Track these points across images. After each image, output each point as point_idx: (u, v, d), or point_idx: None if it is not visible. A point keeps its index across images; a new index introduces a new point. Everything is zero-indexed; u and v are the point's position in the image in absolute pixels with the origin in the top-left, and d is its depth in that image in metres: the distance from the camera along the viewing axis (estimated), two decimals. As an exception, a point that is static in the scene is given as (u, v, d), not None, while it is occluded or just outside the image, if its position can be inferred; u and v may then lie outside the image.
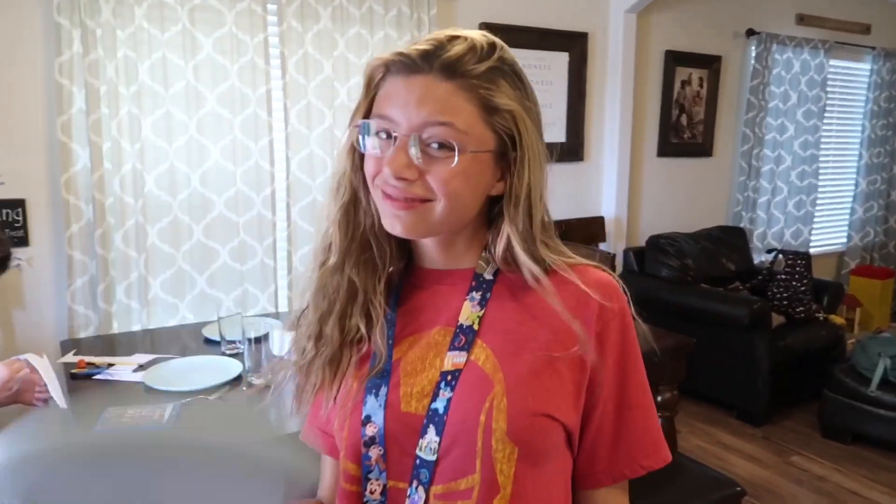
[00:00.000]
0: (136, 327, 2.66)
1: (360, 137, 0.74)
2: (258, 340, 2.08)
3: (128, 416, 1.64)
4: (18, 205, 2.47)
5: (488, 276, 0.79)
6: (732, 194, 4.55)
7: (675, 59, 4.04)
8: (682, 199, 4.32)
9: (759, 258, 4.41)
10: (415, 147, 0.69)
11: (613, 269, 2.47)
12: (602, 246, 3.85)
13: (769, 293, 3.78)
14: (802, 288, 3.72)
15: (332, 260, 0.79)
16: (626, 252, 3.95)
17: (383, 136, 0.72)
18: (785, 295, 3.72)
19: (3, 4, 2.37)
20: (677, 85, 4.10)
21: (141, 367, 2.00)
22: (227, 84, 2.70)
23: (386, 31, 2.97)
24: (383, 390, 0.76)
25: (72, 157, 2.46)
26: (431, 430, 0.72)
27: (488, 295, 0.79)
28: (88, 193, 2.50)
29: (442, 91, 0.69)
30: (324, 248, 0.80)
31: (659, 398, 2.34)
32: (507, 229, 0.76)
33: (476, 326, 0.76)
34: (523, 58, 3.58)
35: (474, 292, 0.79)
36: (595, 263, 0.80)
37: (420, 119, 0.69)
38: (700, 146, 4.32)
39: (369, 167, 0.74)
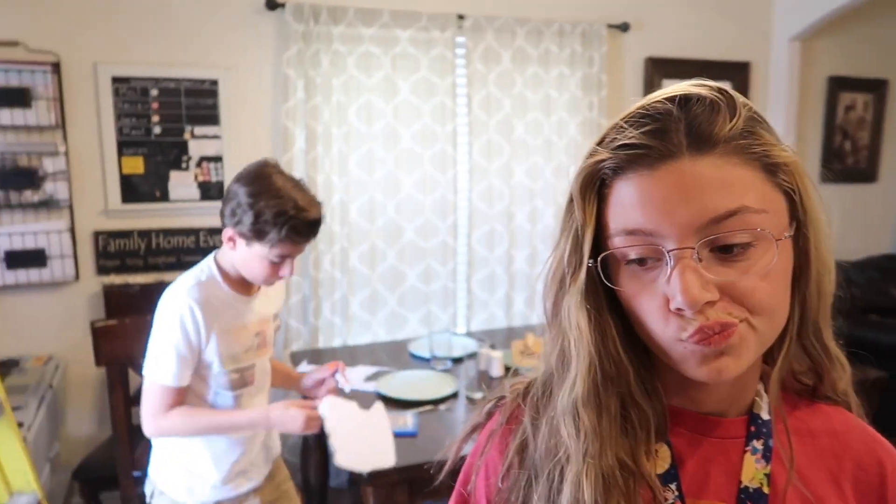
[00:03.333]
0: (336, 341, 2.97)
1: (600, 274, 0.57)
2: (461, 359, 2.31)
3: (379, 421, 1.89)
4: (247, 231, 2.84)
5: (766, 416, 0.62)
6: (898, 221, 4.39)
7: (838, 85, 3.98)
8: (844, 226, 4.21)
9: (929, 288, 4.21)
10: (701, 257, 0.52)
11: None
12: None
13: (946, 325, 3.62)
14: None
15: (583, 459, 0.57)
16: (784, 279, 3.91)
17: (640, 260, 0.55)
18: (965, 328, 3.55)
19: (248, 63, 2.77)
20: (840, 111, 4.03)
21: (369, 378, 2.27)
22: (420, 123, 2.97)
23: (560, 69, 3.16)
24: None
25: (292, 190, 2.81)
26: None
27: (771, 442, 0.61)
28: (304, 222, 2.84)
29: (709, 170, 0.52)
30: (550, 449, 0.60)
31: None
32: (793, 333, 0.59)
33: (766, 489, 0.59)
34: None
35: (755, 441, 0.61)
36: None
37: (695, 219, 0.51)
38: (863, 172, 4.21)
39: (650, 312, 0.55)
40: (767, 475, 0.59)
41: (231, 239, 1.53)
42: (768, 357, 0.61)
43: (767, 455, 0.60)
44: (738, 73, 3.70)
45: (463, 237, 3.16)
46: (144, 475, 2.00)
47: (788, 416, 0.62)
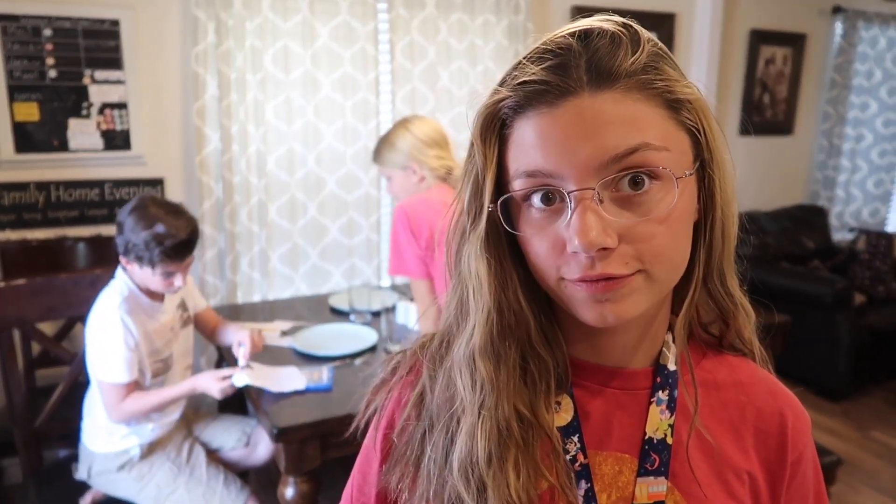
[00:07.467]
0: (256, 296, 2.89)
1: (500, 218, 0.55)
2: (380, 312, 2.28)
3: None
4: (158, 183, 2.70)
5: (672, 367, 0.61)
6: (811, 172, 4.56)
7: (759, 38, 4.04)
8: (762, 177, 4.36)
9: (837, 237, 4.43)
10: (602, 199, 0.50)
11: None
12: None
13: (850, 272, 3.82)
14: (885, 268, 3.76)
15: (485, 404, 0.57)
16: (704, 230, 4.03)
17: (540, 202, 0.53)
18: (867, 275, 3.76)
19: (151, 3, 2.57)
20: (761, 64, 4.11)
21: (284, 333, 2.22)
22: (341, 70, 2.86)
23: (485, 16, 3.09)
24: None
25: (205, 140, 2.68)
26: None
27: (676, 392, 0.60)
28: (218, 173, 2.72)
29: (610, 105, 0.49)
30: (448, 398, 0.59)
31: (754, 372, 2.46)
32: (699, 277, 0.58)
33: (670, 440, 0.59)
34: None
35: (660, 392, 0.60)
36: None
37: (595, 157, 0.49)
38: (781, 124, 4.33)
39: (539, 254, 0.54)
40: (671, 426, 0.59)
41: (127, 263, 1.77)
42: (676, 306, 0.60)
43: (672, 406, 0.60)
44: (663, 23, 3.70)
45: (386, 189, 3.09)
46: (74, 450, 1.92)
47: (695, 367, 0.62)
